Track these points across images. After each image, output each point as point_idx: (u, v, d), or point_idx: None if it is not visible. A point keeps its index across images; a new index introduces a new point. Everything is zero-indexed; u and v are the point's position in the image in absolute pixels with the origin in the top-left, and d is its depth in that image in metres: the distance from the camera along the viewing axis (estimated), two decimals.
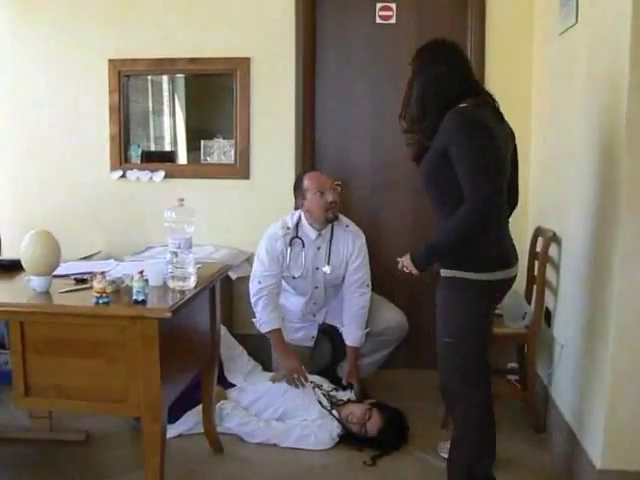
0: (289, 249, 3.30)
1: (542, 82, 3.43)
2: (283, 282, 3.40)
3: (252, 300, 3.30)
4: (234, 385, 3.20)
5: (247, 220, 3.80)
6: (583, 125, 2.66)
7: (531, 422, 3.04)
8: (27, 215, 3.89)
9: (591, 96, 2.59)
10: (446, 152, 2.13)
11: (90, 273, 2.41)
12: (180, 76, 4.11)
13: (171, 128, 4.25)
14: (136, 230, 3.88)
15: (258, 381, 3.23)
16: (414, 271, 2.24)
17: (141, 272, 2.15)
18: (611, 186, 2.32)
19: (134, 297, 2.13)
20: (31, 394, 2.20)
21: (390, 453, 2.83)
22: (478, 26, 3.59)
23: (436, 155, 2.18)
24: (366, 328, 3.35)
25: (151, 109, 4.18)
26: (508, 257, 2.23)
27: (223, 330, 3.07)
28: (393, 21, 3.72)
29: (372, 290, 3.41)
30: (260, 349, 3.41)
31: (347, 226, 3.37)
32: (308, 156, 3.80)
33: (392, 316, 3.41)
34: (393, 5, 3.70)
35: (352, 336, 3.34)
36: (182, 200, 2.35)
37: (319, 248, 3.34)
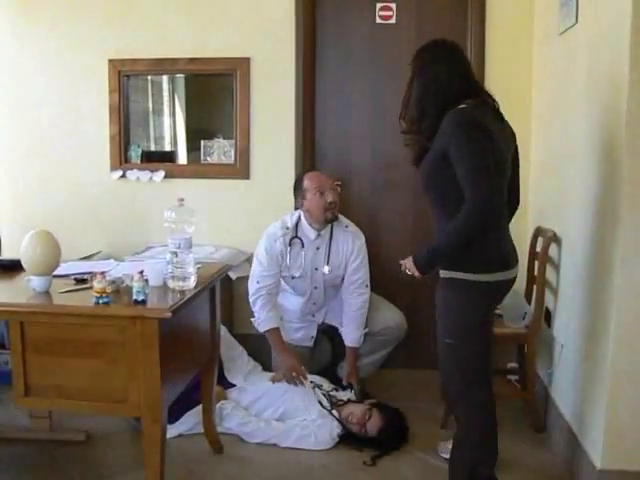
0: (288, 249, 3.30)
1: (542, 82, 3.43)
2: (282, 282, 3.41)
3: (250, 300, 3.30)
4: (234, 385, 3.20)
5: (247, 220, 3.80)
6: (583, 125, 2.66)
7: (531, 422, 3.04)
8: (27, 215, 3.90)
9: (591, 96, 2.59)
10: (446, 153, 2.13)
11: (90, 273, 2.41)
12: (180, 76, 4.10)
13: (171, 128, 4.25)
14: (136, 230, 3.89)
15: (258, 381, 3.23)
16: (416, 274, 2.23)
17: (141, 272, 2.15)
18: (611, 186, 2.32)
19: (134, 297, 2.13)
20: (31, 394, 2.20)
21: (390, 453, 2.83)
22: (478, 26, 3.58)
23: (436, 157, 2.17)
24: (365, 328, 3.35)
25: (151, 109, 4.18)
26: (508, 258, 2.23)
27: (223, 330, 3.07)
28: (393, 21, 3.72)
29: (372, 290, 3.41)
30: (260, 349, 3.41)
31: (347, 226, 3.37)
32: (308, 156, 3.80)
33: (391, 316, 3.41)
34: (393, 5, 3.70)
35: (351, 337, 3.34)
36: (182, 200, 2.35)
37: (318, 248, 3.34)
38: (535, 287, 3.02)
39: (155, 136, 4.24)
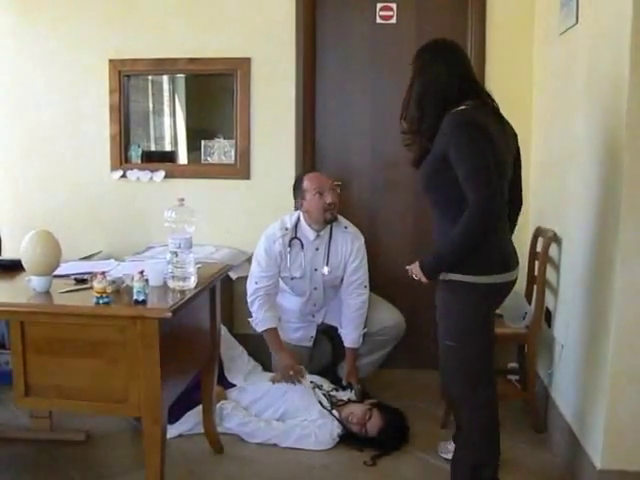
0: (288, 250, 3.30)
1: (542, 82, 3.43)
2: (281, 282, 3.41)
3: (248, 300, 3.32)
4: (234, 385, 3.20)
5: (247, 220, 3.80)
6: (583, 125, 2.66)
7: (531, 422, 3.04)
8: (27, 215, 3.90)
9: (592, 96, 2.59)
10: (446, 155, 2.13)
11: (90, 273, 2.41)
12: (180, 76, 4.11)
13: (171, 128, 4.26)
14: (136, 230, 3.89)
15: (258, 381, 3.23)
16: (423, 279, 2.23)
17: (141, 272, 2.15)
18: (611, 186, 2.32)
19: (134, 297, 2.13)
20: (31, 394, 2.20)
21: (390, 453, 2.83)
22: (478, 26, 3.58)
23: (436, 158, 2.17)
24: (364, 328, 3.35)
25: (151, 109, 4.18)
26: (508, 260, 2.23)
27: (223, 330, 3.07)
28: (393, 21, 3.72)
29: (371, 291, 3.41)
30: (260, 349, 3.40)
31: (346, 227, 3.37)
32: (308, 156, 3.80)
33: (389, 316, 3.41)
34: (393, 5, 3.70)
35: (350, 337, 3.35)
36: (182, 200, 2.35)
37: (317, 249, 3.34)
38: (535, 287, 3.02)
39: (155, 136, 4.24)
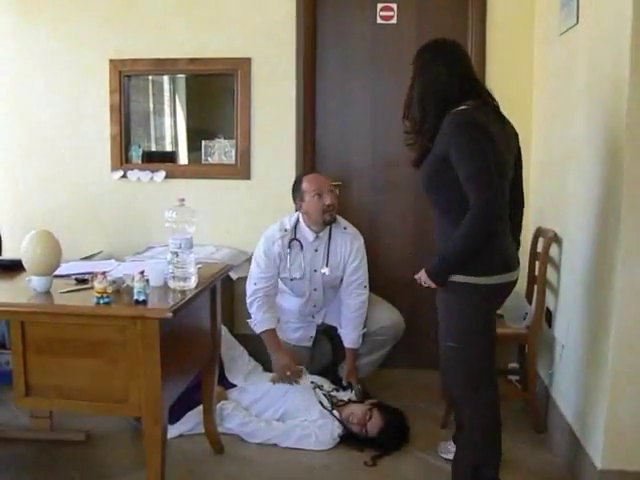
0: (287, 251, 3.30)
1: (543, 82, 3.43)
2: (281, 283, 3.41)
3: (247, 301, 3.33)
4: (235, 385, 3.20)
5: (248, 220, 3.80)
6: (584, 125, 2.66)
7: (532, 422, 3.04)
8: (27, 215, 3.90)
9: (592, 97, 2.59)
10: (446, 155, 2.12)
11: (91, 273, 2.40)
12: (181, 76, 4.11)
13: (172, 128, 4.26)
14: (137, 230, 3.89)
15: (259, 381, 3.23)
16: (432, 285, 2.24)
17: (142, 272, 2.15)
18: (612, 186, 2.32)
19: (135, 297, 2.13)
20: (32, 394, 2.20)
21: (390, 453, 2.82)
22: (479, 26, 3.58)
23: (436, 158, 2.17)
24: (363, 328, 3.35)
25: (152, 109, 4.18)
26: (509, 261, 2.23)
27: (224, 330, 3.07)
28: (394, 21, 3.71)
29: (371, 291, 3.41)
30: (261, 349, 3.40)
31: (345, 228, 3.37)
32: (309, 157, 3.79)
33: (388, 316, 3.41)
34: (394, 5, 3.70)
35: (349, 337, 3.35)
36: (183, 200, 2.35)
37: (317, 250, 3.34)
38: (536, 287, 3.02)
39: (156, 136, 4.24)
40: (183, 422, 2.95)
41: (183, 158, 4.19)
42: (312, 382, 3.17)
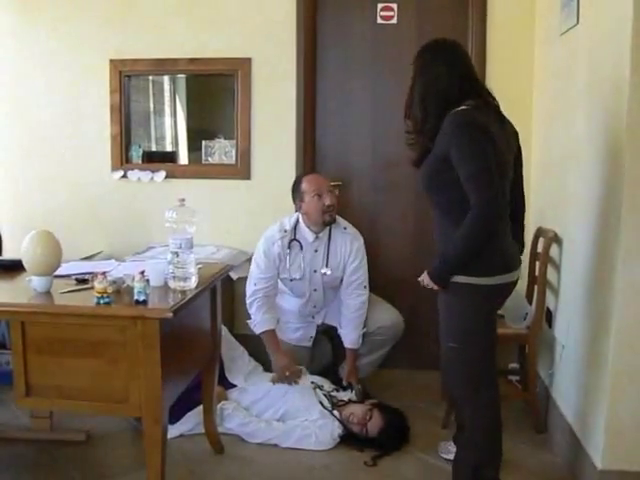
0: (287, 251, 3.30)
1: (543, 82, 3.43)
2: (281, 284, 3.41)
3: (247, 302, 3.33)
4: (235, 385, 3.20)
5: (248, 220, 3.80)
6: (584, 125, 2.66)
7: (532, 423, 3.04)
8: (28, 215, 3.90)
9: (592, 97, 2.59)
10: (447, 155, 2.12)
11: (91, 273, 2.40)
12: (181, 76, 4.11)
13: (172, 128, 4.26)
14: (137, 230, 3.89)
15: (259, 382, 3.23)
16: (436, 287, 2.23)
17: (142, 272, 2.15)
18: (612, 186, 2.32)
19: (135, 297, 2.13)
20: (32, 394, 2.20)
21: (391, 453, 2.82)
22: (479, 26, 3.58)
23: (437, 158, 2.17)
24: (363, 329, 3.35)
25: (152, 109, 4.18)
26: (510, 261, 2.22)
27: (224, 330, 3.07)
28: (394, 21, 3.71)
29: (371, 291, 3.41)
30: (261, 349, 3.40)
31: (345, 228, 3.36)
32: (309, 157, 3.79)
33: (387, 316, 3.40)
34: (394, 5, 3.70)
35: (349, 338, 3.34)
36: (183, 200, 2.35)
37: (316, 251, 3.34)
38: (536, 287, 3.02)
39: (156, 136, 4.24)
40: (183, 422, 2.95)
41: (183, 158, 4.19)
42: (312, 382, 3.17)
